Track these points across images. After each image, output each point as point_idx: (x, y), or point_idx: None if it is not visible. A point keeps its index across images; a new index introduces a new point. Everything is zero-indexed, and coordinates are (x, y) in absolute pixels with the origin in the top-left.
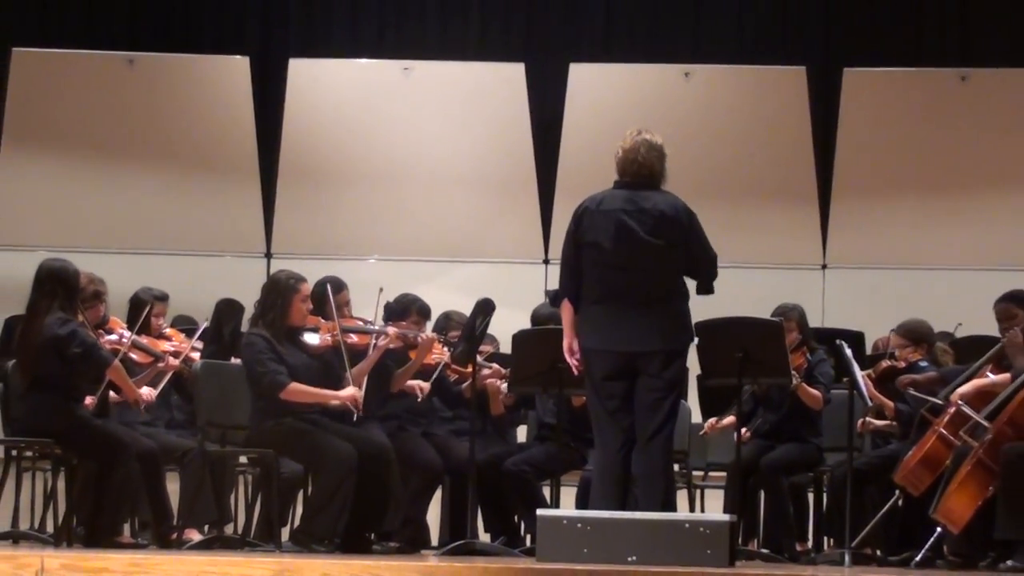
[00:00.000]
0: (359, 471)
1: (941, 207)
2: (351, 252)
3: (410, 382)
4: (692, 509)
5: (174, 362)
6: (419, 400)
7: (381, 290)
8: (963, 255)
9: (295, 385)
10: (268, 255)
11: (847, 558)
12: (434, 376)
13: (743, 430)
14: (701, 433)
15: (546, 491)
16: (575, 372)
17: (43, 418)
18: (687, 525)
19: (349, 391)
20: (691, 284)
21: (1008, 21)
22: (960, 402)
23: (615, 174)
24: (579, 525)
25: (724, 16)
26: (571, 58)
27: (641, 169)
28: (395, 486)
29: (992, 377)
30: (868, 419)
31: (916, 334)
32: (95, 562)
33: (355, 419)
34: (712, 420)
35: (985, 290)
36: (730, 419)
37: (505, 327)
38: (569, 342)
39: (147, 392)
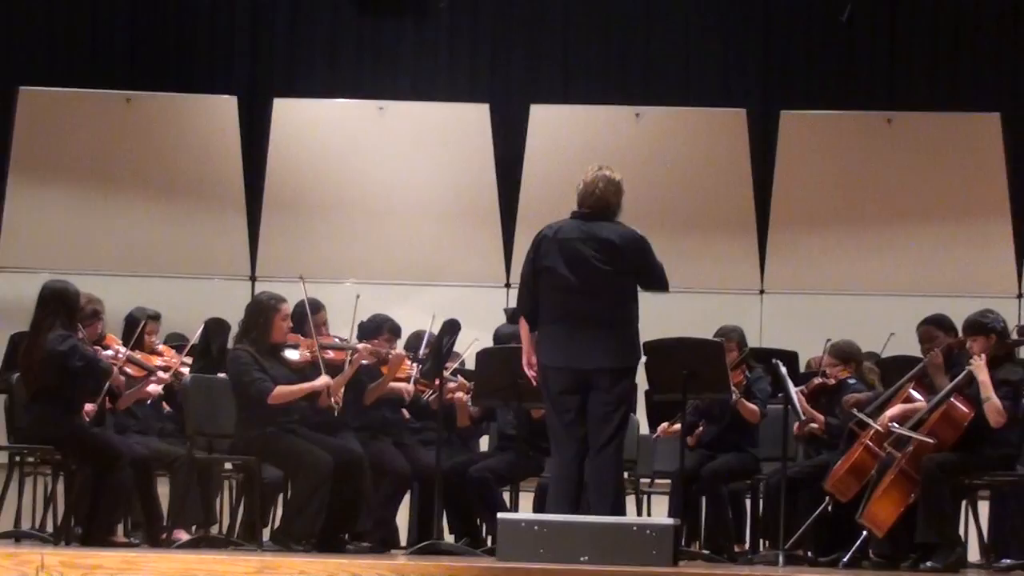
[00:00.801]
0: (335, 477)
1: (869, 238)
2: (329, 275)
3: (397, 385)
4: (639, 513)
5: (165, 376)
6: (407, 400)
7: (358, 297)
8: (889, 282)
9: (280, 388)
10: (252, 278)
11: (781, 559)
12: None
13: (688, 437)
14: (655, 436)
15: (506, 496)
16: (534, 383)
17: (44, 427)
18: (635, 528)
19: (323, 379)
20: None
21: (930, 69)
22: (892, 424)
23: (574, 204)
24: (536, 527)
25: (672, 62)
26: (532, 99)
27: (598, 202)
28: (367, 491)
29: (917, 401)
30: (804, 427)
31: (845, 354)
32: (91, 559)
33: (336, 412)
34: (664, 424)
35: (909, 314)
36: (679, 426)
37: (469, 345)
38: (528, 356)
39: (154, 389)
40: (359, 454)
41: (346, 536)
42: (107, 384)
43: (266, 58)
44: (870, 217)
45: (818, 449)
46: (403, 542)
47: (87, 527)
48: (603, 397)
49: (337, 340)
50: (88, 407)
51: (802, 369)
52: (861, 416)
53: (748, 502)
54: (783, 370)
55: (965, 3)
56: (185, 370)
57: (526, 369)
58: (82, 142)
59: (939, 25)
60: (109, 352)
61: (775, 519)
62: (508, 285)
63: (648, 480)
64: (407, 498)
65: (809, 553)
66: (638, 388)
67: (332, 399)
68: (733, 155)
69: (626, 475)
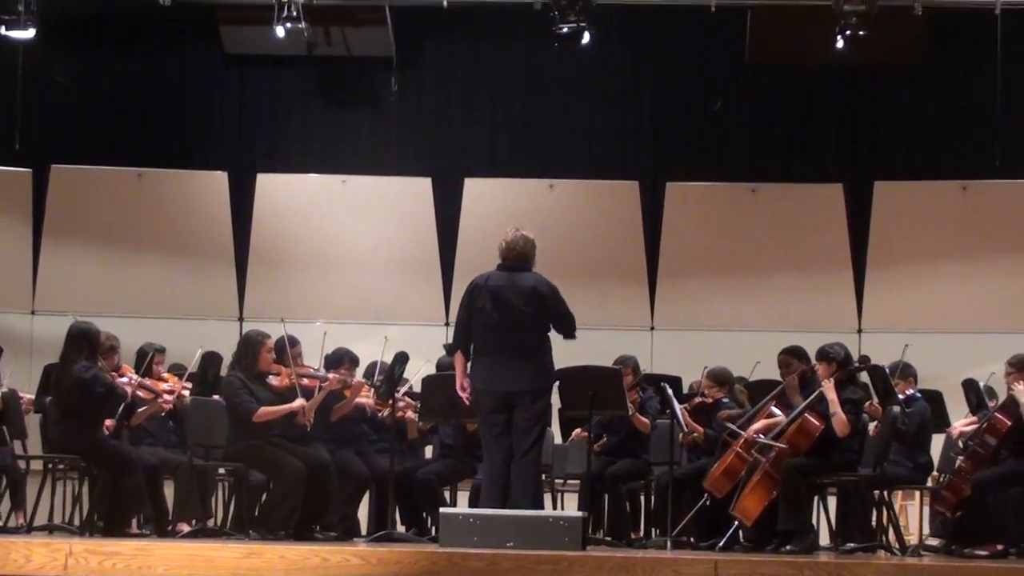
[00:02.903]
0: (307, 479)
1: (739, 285)
2: (303, 317)
3: (361, 400)
4: (555, 507)
5: (169, 399)
6: (368, 412)
7: (325, 333)
8: (755, 320)
9: (263, 409)
10: (240, 319)
11: (669, 544)
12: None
13: (595, 445)
14: (570, 440)
15: (447, 494)
16: (467, 403)
17: (72, 440)
18: (551, 519)
19: (299, 401)
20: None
21: (785, 149)
22: (758, 436)
23: (498, 258)
24: (471, 519)
25: (579, 143)
26: (466, 174)
27: (519, 256)
28: (334, 491)
29: (778, 416)
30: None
31: (720, 377)
32: (110, 547)
33: (308, 428)
34: (578, 430)
35: (770, 346)
36: (578, 431)
37: (416, 372)
38: (461, 381)
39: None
40: (327, 461)
41: (316, 527)
42: (123, 405)
43: (250, 141)
44: (739, 268)
45: (698, 455)
46: (363, 532)
47: (107, 521)
48: (525, 414)
49: (311, 370)
50: (108, 422)
51: (685, 390)
52: (732, 427)
53: (642, 498)
54: (670, 391)
55: (813, 97)
56: (186, 393)
57: (459, 392)
58: (102, 209)
59: (791, 113)
60: (124, 379)
61: (664, 512)
62: (447, 324)
63: (561, 480)
64: (366, 496)
65: (691, 539)
66: (552, 406)
67: (306, 419)
68: (628, 218)
69: (543, 476)
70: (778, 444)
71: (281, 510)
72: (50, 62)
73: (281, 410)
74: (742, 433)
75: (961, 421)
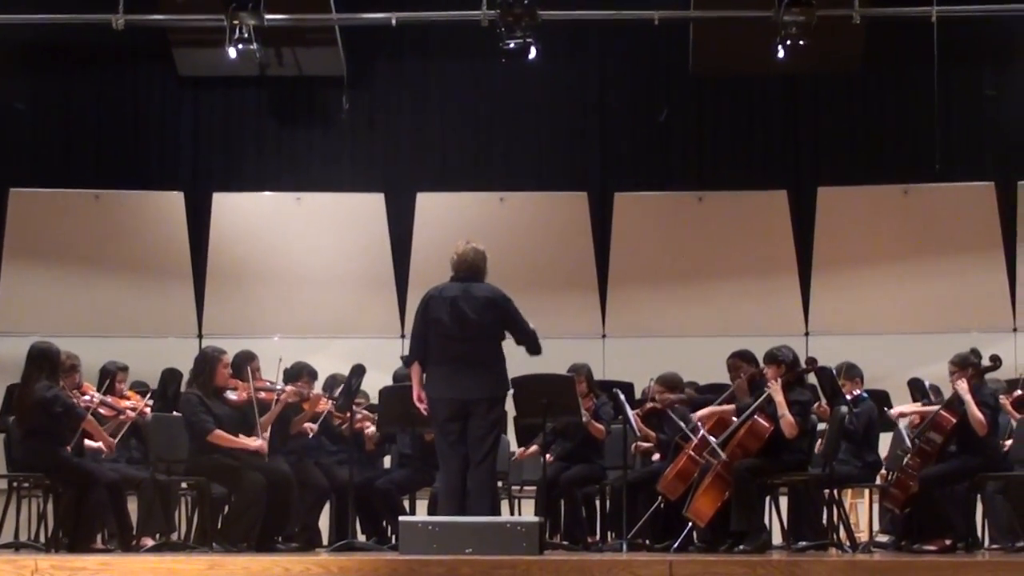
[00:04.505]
0: (268, 492)
1: (687, 292)
2: (260, 332)
3: (305, 426)
4: (511, 513)
5: (132, 415)
6: (310, 436)
7: (280, 360)
8: (703, 326)
9: (218, 432)
10: (200, 335)
11: (624, 546)
12: (320, 420)
13: (547, 455)
14: (513, 459)
15: (406, 503)
16: (425, 414)
17: (36, 458)
18: (508, 525)
19: (257, 443)
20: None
21: (730, 157)
22: (701, 426)
23: (451, 271)
24: (430, 527)
25: (528, 156)
26: (418, 189)
27: (470, 268)
28: (294, 502)
29: (721, 406)
30: (639, 443)
31: (671, 382)
32: (75, 563)
33: (266, 459)
34: (521, 449)
35: (720, 350)
36: (533, 448)
37: (373, 384)
38: (418, 392)
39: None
40: (287, 473)
41: (278, 538)
42: (81, 425)
43: (206, 161)
44: (687, 275)
45: (652, 459)
46: (325, 542)
47: (72, 537)
48: (480, 422)
49: (268, 383)
50: (95, 444)
51: (637, 396)
52: (685, 430)
53: (597, 502)
54: (622, 397)
55: (756, 106)
56: (148, 410)
57: (416, 403)
58: (61, 231)
59: (735, 122)
60: (86, 397)
61: (619, 515)
62: (403, 336)
63: (518, 487)
64: (327, 507)
65: (646, 541)
66: (507, 414)
67: (263, 453)
68: (578, 228)
69: (500, 483)
70: (724, 453)
71: (243, 522)
72: (6, 88)
73: (237, 443)
74: (693, 436)
75: (903, 405)
